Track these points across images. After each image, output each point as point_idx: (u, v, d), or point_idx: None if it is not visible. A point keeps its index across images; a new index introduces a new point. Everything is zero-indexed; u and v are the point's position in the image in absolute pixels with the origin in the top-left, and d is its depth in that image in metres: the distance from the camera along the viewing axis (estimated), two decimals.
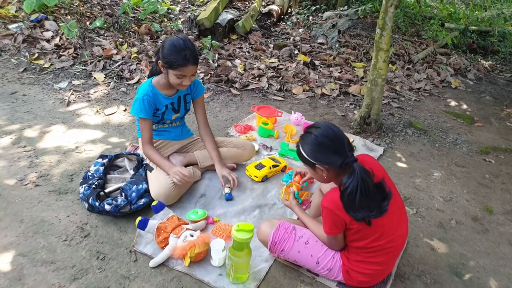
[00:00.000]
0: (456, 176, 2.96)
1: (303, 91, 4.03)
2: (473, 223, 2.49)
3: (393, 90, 4.35)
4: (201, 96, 2.51)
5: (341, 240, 1.78)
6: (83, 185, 2.27)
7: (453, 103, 4.35)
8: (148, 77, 2.42)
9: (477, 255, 2.24)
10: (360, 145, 3.15)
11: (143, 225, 2.00)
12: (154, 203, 2.11)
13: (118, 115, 3.24)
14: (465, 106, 4.31)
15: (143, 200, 2.24)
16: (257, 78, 4.14)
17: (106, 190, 2.28)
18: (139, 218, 2.00)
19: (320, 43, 5.33)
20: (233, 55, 4.72)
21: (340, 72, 4.55)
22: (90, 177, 2.33)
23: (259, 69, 4.33)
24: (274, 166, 2.65)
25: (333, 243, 1.80)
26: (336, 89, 4.11)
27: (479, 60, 5.73)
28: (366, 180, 1.58)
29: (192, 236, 1.97)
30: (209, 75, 4.04)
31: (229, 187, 2.45)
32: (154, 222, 2.03)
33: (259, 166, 2.63)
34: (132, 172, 2.44)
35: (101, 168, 2.38)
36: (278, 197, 2.48)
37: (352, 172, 1.59)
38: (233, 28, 5.30)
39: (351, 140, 3.07)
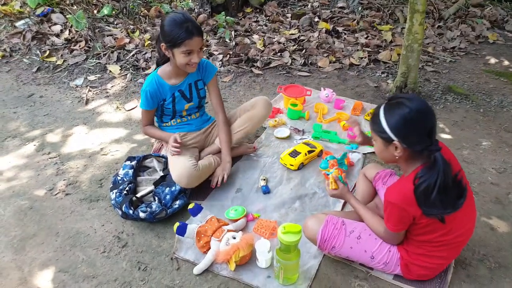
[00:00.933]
0: (507, 144, 2.72)
1: (330, 63, 3.78)
2: None
3: (426, 52, 4.03)
4: (214, 78, 2.34)
5: (402, 235, 1.62)
6: (114, 191, 2.16)
7: (493, 60, 4.01)
8: (156, 63, 2.31)
9: None
10: None
11: (182, 231, 1.89)
12: (190, 206, 2.00)
13: (139, 109, 3.07)
14: (507, 63, 3.96)
15: (178, 202, 2.12)
16: (278, 54, 3.90)
17: (138, 195, 2.16)
18: (177, 224, 1.89)
19: (341, 8, 4.99)
20: (249, 30, 4.46)
21: (366, 38, 4.24)
22: (120, 182, 2.22)
23: (279, 43, 4.08)
24: (309, 151, 2.48)
25: (395, 238, 1.64)
26: (365, 58, 3.84)
27: None
28: (447, 174, 1.39)
29: (234, 238, 1.85)
30: (228, 55, 3.83)
31: (263, 179, 2.31)
32: (193, 226, 1.92)
33: (294, 154, 2.46)
34: (161, 173, 2.32)
35: (130, 171, 2.26)
36: (317, 185, 2.31)
37: (433, 164, 1.40)
38: (246, 1, 5.02)
39: None
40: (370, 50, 3.99)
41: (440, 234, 1.53)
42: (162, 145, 2.63)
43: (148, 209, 2.01)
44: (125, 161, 2.34)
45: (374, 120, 1.53)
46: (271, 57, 3.84)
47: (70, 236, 2.00)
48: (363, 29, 4.44)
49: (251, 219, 2.10)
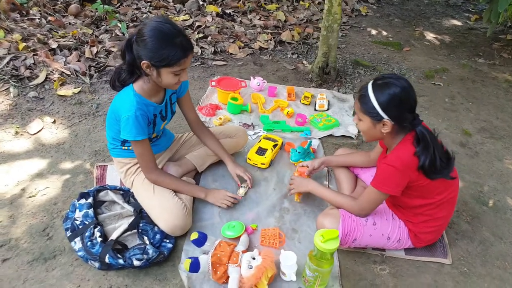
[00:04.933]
0: (424, 107, 3.10)
1: (239, 48, 3.66)
2: (464, 150, 2.66)
3: (317, 29, 4.26)
4: (188, 90, 2.04)
5: (380, 203, 1.71)
6: (76, 240, 1.74)
7: (373, 32, 4.48)
8: (111, 84, 1.78)
9: (485, 179, 2.40)
10: (331, 98, 3.04)
11: (196, 267, 1.64)
12: (194, 236, 1.72)
13: (48, 130, 2.48)
14: (385, 33, 4.48)
15: (171, 239, 1.82)
16: None
17: (113, 237, 1.76)
18: (188, 260, 1.62)
19: None
20: (135, 19, 3.98)
21: (260, 19, 4.23)
22: (80, 226, 1.77)
23: None
24: (274, 146, 2.39)
25: (377, 204, 1.70)
26: (270, 40, 3.84)
27: None
28: (437, 141, 1.58)
29: (254, 258, 1.69)
30: None
31: (244, 187, 2.13)
32: (204, 257, 1.67)
33: (260, 151, 2.34)
34: (126, 205, 1.93)
35: (90, 211, 1.82)
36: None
37: (424, 140, 1.54)
38: None
39: (324, 96, 2.94)
40: (271, 31, 4.01)
41: (436, 194, 1.68)
42: (104, 167, 2.19)
43: (145, 256, 1.66)
44: (77, 200, 1.87)
45: (363, 100, 1.59)
46: None
47: None
48: (252, 10, 4.41)
49: (251, 232, 1.93)
